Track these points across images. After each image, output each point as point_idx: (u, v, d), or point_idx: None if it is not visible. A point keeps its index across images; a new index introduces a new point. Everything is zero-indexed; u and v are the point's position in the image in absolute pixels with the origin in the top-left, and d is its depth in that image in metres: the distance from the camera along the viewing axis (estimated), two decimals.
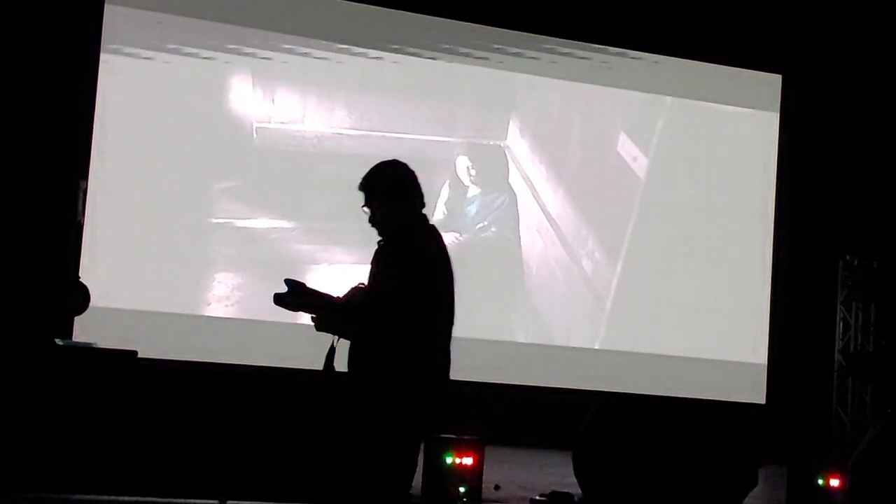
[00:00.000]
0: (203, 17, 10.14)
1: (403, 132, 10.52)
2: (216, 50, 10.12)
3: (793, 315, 11.53)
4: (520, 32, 11.00)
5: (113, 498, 2.36)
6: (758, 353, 11.44)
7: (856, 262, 11.26)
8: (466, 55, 10.89)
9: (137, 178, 9.81)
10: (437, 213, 10.64)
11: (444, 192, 10.70)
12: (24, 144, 9.46)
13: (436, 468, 6.73)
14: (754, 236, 11.60)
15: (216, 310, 9.89)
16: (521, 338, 10.87)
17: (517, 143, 11.04)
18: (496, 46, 10.97)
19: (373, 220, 4.12)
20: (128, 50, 9.91)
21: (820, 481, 7.32)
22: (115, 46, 9.85)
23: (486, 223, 10.91)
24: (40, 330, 7.97)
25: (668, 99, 11.49)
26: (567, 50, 11.19)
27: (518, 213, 11.00)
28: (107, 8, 9.83)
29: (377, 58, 10.56)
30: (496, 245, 10.91)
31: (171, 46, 10.04)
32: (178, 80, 10.02)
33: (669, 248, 11.28)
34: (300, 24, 10.38)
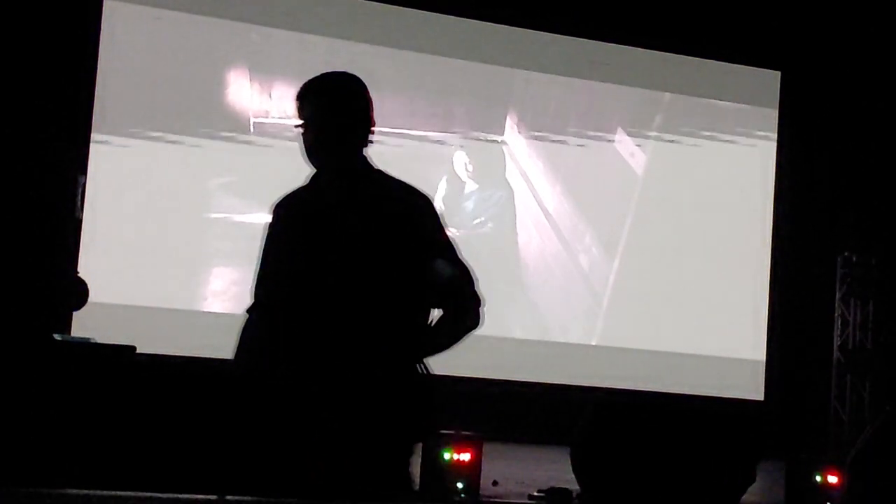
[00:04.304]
0: (201, 13, 10.13)
1: (400, 127, 10.51)
2: (214, 45, 10.11)
3: (791, 312, 11.53)
4: (517, 28, 10.99)
5: (111, 493, 2.36)
6: (756, 349, 11.45)
7: (854, 259, 11.26)
8: (464, 51, 10.88)
9: (136, 173, 9.80)
10: None
11: (441, 188, 10.70)
12: (22, 139, 9.44)
13: (433, 464, 6.73)
14: (752, 232, 11.60)
15: (214, 305, 9.89)
16: (518, 334, 10.86)
17: (514, 139, 11.03)
18: (494, 42, 10.96)
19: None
20: (126, 45, 9.90)
21: (818, 478, 7.32)
22: (113, 41, 9.84)
23: (483, 219, 10.90)
24: (38, 325, 7.96)
25: (667, 95, 11.49)
26: (565, 46, 11.18)
27: (515, 209, 11.00)
28: (105, 4, 9.82)
29: (374, 53, 10.55)
30: (493, 241, 10.90)
31: (169, 42, 10.03)
32: (176, 74, 10.01)
33: (667, 244, 11.28)
34: (298, 20, 10.37)
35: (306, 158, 3.52)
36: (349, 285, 3.26)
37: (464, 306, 3.38)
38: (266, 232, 3.55)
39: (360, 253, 3.28)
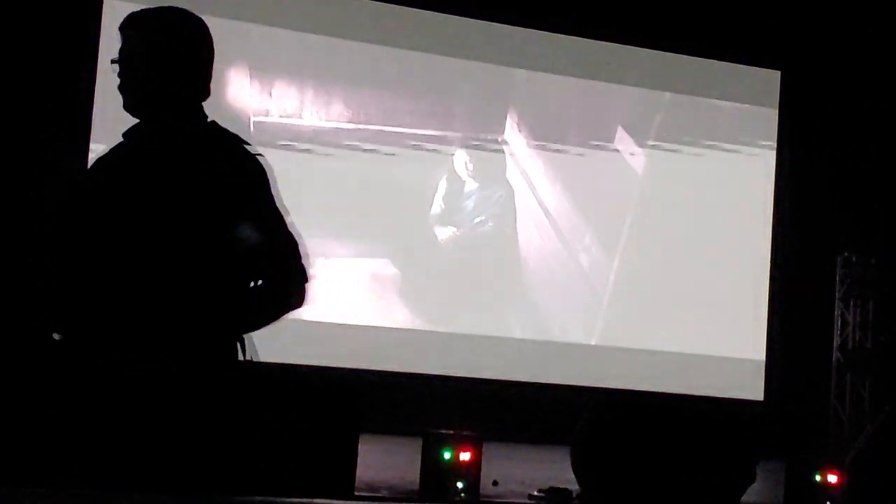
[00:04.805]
0: (201, 12, 10.10)
1: (401, 126, 10.50)
2: (214, 44, 10.10)
3: (791, 311, 11.53)
4: (517, 28, 10.99)
5: (111, 493, 2.36)
6: (756, 349, 11.44)
7: (854, 259, 11.26)
8: (464, 50, 10.87)
9: None
10: (434, 208, 10.63)
11: (442, 187, 10.69)
12: (22, 139, 9.44)
13: (433, 464, 6.73)
14: (752, 232, 11.59)
15: None
16: (517, 333, 10.86)
17: (515, 138, 11.03)
18: (494, 42, 10.96)
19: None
20: None
21: (818, 477, 7.33)
22: (113, 41, 9.83)
23: (483, 218, 10.89)
24: (37, 325, 7.95)
25: (667, 95, 11.48)
26: (565, 45, 11.17)
27: (515, 208, 10.99)
28: (105, 4, 9.81)
29: (375, 52, 10.54)
30: (493, 240, 10.90)
31: None
32: None
33: (667, 244, 11.27)
34: (298, 19, 10.37)
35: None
36: (160, 254, 2.87)
37: (286, 280, 3.01)
38: (74, 202, 3.15)
39: (172, 220, 2.88)
